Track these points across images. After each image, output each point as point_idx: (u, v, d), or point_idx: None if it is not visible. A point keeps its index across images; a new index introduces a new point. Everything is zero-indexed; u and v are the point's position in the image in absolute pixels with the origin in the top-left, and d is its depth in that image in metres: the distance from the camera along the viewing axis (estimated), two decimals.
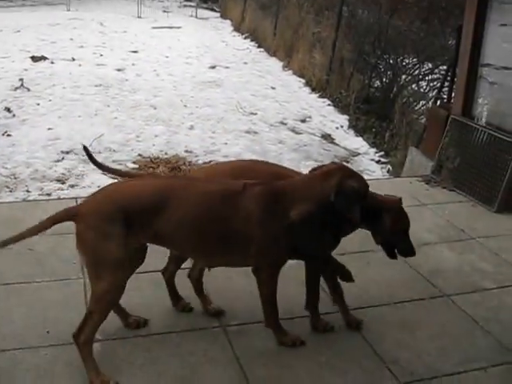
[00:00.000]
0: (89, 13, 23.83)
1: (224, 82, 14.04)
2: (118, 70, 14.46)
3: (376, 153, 10.32)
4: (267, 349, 3.87)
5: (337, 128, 11.60)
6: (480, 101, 7.11)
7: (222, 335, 4.00)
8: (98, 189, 3.84)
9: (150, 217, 3.39)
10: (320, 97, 13.66)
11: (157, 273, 4.28)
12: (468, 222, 6.09)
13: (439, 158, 7.31)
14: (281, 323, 3.85)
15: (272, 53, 17.98)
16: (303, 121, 11.67)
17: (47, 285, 4.43)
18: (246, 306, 4.21)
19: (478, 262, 5.23)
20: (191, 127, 10.46)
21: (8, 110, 10.63)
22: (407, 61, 12.76)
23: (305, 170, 4.08)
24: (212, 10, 28.38)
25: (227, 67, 15.79)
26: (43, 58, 14.90)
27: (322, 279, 4.04)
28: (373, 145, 10.70)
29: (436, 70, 11.91)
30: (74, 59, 15.15)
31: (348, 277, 4.08)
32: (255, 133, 10.48)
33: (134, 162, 8.62)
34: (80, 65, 14.71)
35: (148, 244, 3.62)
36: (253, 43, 19.76)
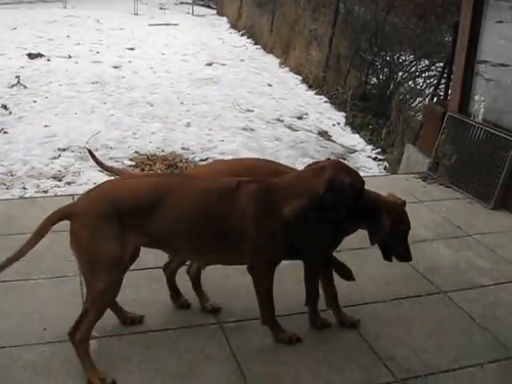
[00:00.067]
0: (85, 10, 23.79)
1: (221, 79, 14.04)
2: (115, 67, 14.45)
3: (373, 150, 10.33)
4: (264, 345, 3.87)
5: (333, 125, 11.60)
6: (477, 98, 7.12)
7: (219, 332, 4.00)
8: (94, 186, 3.84)
9: (146, 215, 3.37)
10: (317, 94, 13.66)
11: (154, 270, 4.28)
12: (465, 219, 6.09)
13: (436, 155, 7.31)
14: (277, 320, 3.85)
15: (269, 50, 17.97)
16: (300, 118, 11.67)
17: (43, 282, 4.43)
18: (243, 303, 4.21)
19: (474, 259, 5.23)
20: (188, 124, 10.46)
21: (4, 107, 10.62)
22: (404, 58, 12.77)
23: (301, 167, 4.07)
24: (208, 7, 28.33)
25: (224, 64, 15.79)
26: (40, 56, 14.89)
27: None
28: (369, 142, 10.70)
29: (433, 67, 11.89)
30: (70, 56, 15.15)
31: (349, 275, 4.08)
32: (252, 130, 10.49)
33: (130, 159, 8.61)
34: (77, 62, 14.71)
35: (146, 247, 3.59)
36: (249, 40, 19.74)
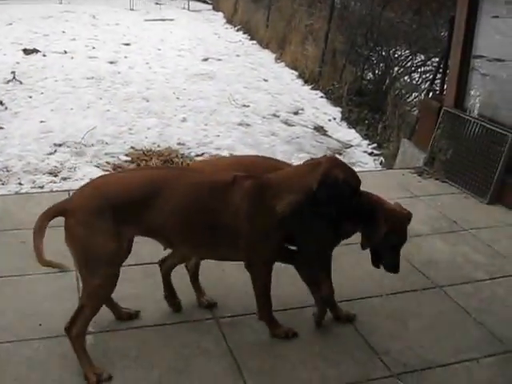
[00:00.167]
0: (81, 5, 23.69)
1: (216, 74, 14.02)
2: (111, 62, 14.41)
3: (369, 145, 10.32)
4: (260, 341, 3.88)
5: (329, 120, 11.59)
6: (472, 92, 7.12)
7: (215, 327, 4.01)
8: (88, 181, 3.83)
9: (141, 208, 3.36)
10: (312, 89, 13.64)
11: (150, 265, 4.28)
12: (460, 214, 6.10)
13: (432, 150, 7.32)
14: (274, 315, 3.86)
15: (264, 45, 17.93)
16: (296, 113, 11.66)
17: (39, 277, 4.42)
18: (239, 298, 4.21)
19: (470, 254, 5.25)
20: (184, 119, 10.44)
21: (0, 102, 10.60)
22: (400, 52, 12.76)
23: (298, 163, 4.07)
24: (204, 2, 28.23)
25: (220, 59, 15.75)
26: (35, 51, 14.84)
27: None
28: (365, 137, 10.69)
29: (428, 62, 11.88)
30: (66, 52, 15.09)
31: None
32: (248, 125, 10.48)
33: (126, 155, 8.60)
34: (72, 57, 14.65)
35: (140, 236, 3.60)
36: (245, 35, 19.70)
